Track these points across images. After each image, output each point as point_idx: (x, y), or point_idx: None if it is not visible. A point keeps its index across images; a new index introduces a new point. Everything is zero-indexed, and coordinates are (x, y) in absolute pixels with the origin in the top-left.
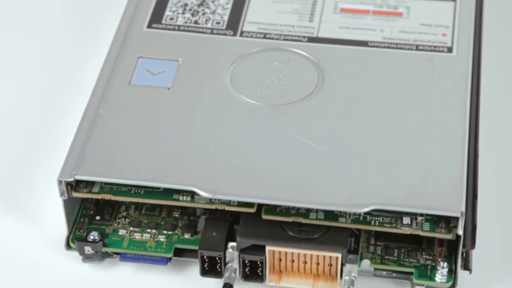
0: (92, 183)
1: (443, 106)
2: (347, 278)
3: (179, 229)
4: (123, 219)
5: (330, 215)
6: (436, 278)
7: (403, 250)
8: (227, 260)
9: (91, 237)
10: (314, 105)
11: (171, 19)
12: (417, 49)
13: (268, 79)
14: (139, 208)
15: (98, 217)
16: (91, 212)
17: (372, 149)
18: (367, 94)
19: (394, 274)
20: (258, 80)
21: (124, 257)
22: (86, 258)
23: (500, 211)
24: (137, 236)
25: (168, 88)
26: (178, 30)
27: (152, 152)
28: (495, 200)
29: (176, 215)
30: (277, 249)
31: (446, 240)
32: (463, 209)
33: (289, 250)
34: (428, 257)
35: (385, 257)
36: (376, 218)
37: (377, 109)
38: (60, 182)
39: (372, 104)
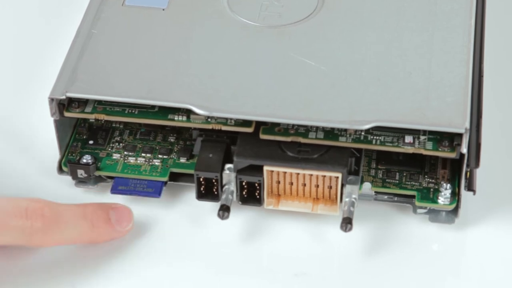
0: (85, 103)
1: (448, 26)
2: (347, 199)
3: (174, 153)
4: (117, 144)
5: (330, 134)
6: (439, 201)
7: (405, 174)
8: (224, 182)
9: (84, 160)
10: (314, 26)
11: None
12: None
13: (267, 1)
14: (134, 133)
15: (91, 142)
16: (84, 137)
17: (374, 68)
18: (369, 15)
19: (396, 198)
20: (256, 2)
21: (115, 189)
22: (79, 182)
23: (505, 131)
24: (132, 160)
25: (163, 9)
26: None
27: (146, 71)
28: (500, 121)
29: (172, 140)
30: (275, 169)
31: (449, 162)
32: (467, 125)
33: (288, 170)
34: (430, 180)
35: (387, 180)
36: (377, 138)
37: (379, 30)
38: (51, 100)
39: (374, 25)
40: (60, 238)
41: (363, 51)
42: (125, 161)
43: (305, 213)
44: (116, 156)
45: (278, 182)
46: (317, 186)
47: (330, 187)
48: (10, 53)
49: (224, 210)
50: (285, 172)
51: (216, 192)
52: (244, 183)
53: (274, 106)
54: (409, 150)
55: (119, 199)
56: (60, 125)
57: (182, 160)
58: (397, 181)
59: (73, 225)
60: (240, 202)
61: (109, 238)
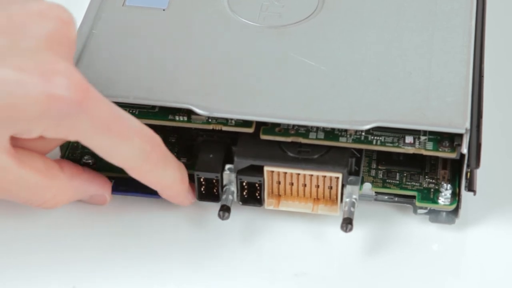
0: None
1: (448, 26)
2: (347, 200)
3: (175, 153)
4: None
5: (330, 135)
6: (439, 201)
7: (405, 174)
8: (224, 182)
9: (85, 160)
10: (314, 26)
11: None
12: None
13: (267, 1)
14: None
15: None
16: None
17: (374, 69)
18: (369, 15)
19: (396, 199)
20: (256, 2)
21: (116, 189)
22: None
23: (505, 131)
24: None
25: (164, 10)
26: None
27: (146, 71)
28: (500, 121)
29: (173, 140)
30: (275, 169)
31: (449, 163)
32: (467, 125)
33: (288, 170)
34: (431, 180)
35: (387, 180)
36: (378, 138)
37: (380, 30)
38: None
39: (374, 25)
40: (160, 176)
41: (363, 51)
42: None
43: (306, 214)
44: None
45: (279, 183)
46: (318, 186)
47: (331, 188)
48: None
49: (225, 211)
50: (285, 173)
51: (216, 193)
52: (244, 184)
53: (274, 106)
54: (410, 150)
55: (120, 199)
56: None
57: (183, 160)
58: (398, 182)
59: (173, 170)
60: (240, 203)
61: (181, 201)
